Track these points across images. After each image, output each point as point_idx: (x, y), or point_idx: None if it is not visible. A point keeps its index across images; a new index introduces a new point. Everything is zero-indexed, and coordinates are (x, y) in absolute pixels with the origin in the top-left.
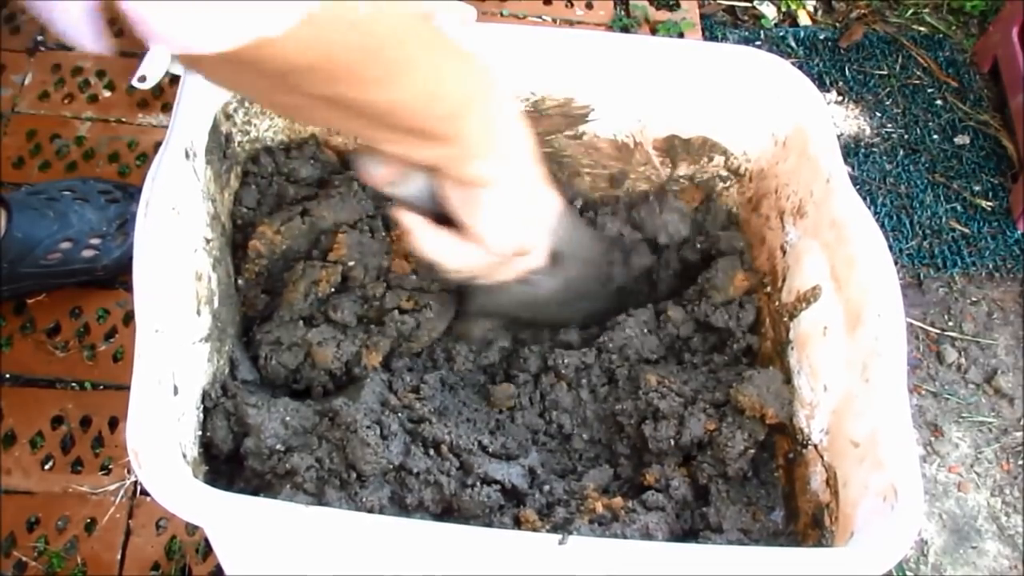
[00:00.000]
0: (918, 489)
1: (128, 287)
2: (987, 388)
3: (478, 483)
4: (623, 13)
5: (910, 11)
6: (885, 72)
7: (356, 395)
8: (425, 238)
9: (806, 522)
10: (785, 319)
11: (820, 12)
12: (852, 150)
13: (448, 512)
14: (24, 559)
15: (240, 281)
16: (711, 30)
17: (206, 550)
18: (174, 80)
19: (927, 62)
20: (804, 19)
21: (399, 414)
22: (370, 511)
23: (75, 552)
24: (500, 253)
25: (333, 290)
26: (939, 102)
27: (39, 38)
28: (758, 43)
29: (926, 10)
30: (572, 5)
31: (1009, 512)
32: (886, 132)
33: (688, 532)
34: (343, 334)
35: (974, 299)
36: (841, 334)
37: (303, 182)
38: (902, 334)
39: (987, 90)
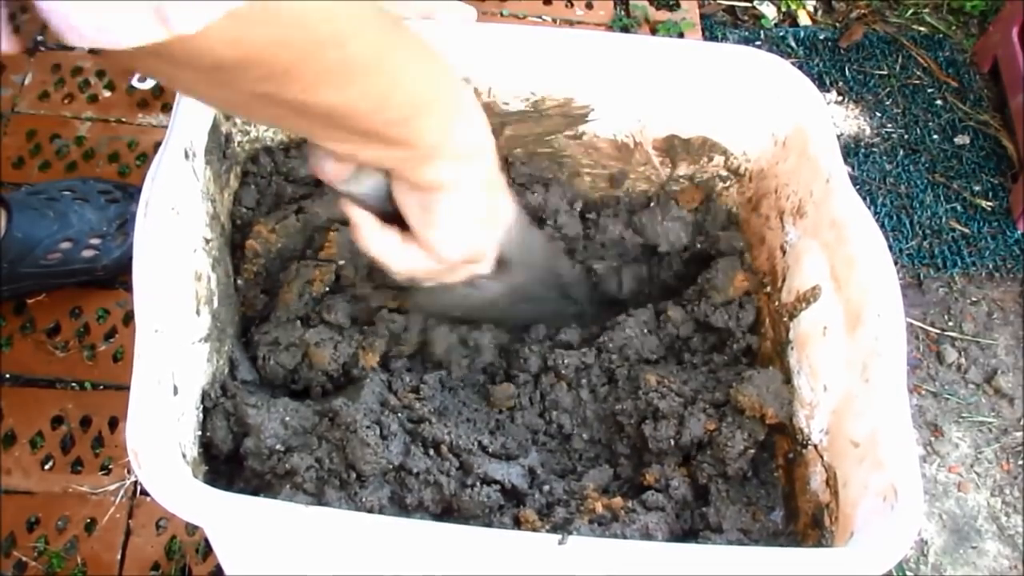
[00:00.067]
0: (918, 489)
1: (128, 287)
2: (987, 388)
3: (478, 483)
4: (623, 13)
5: (910, 11)
6: (885, 72)
7: (356, 395)
8: (372, 238)
9: (806, 522)
10: (785, 319)
11: (820, 12)
12: (852, 150)
13: (448, 512)
14: (24, 559)
15: (239, 281)
16: (711, 30)
17: (206, 550)
18: None
19: (927, 62)
20: (804, 19)
21: (399, 414)
22: (370, 511)
23: (75, 552)
24: (449, 261)
25: (327, 289)
26: (939, 102)
27: (39, 38)
28: (758, 43)
29: (926, 10)
30: (572, 5)
31: (1009, 512)
32: (886, 132)
33: (688, 532)
34: (339, 335)
35: (974, 299)
36: (841, 334)
37: (302, 181)
38: (902, 334)
39: (987, 90)
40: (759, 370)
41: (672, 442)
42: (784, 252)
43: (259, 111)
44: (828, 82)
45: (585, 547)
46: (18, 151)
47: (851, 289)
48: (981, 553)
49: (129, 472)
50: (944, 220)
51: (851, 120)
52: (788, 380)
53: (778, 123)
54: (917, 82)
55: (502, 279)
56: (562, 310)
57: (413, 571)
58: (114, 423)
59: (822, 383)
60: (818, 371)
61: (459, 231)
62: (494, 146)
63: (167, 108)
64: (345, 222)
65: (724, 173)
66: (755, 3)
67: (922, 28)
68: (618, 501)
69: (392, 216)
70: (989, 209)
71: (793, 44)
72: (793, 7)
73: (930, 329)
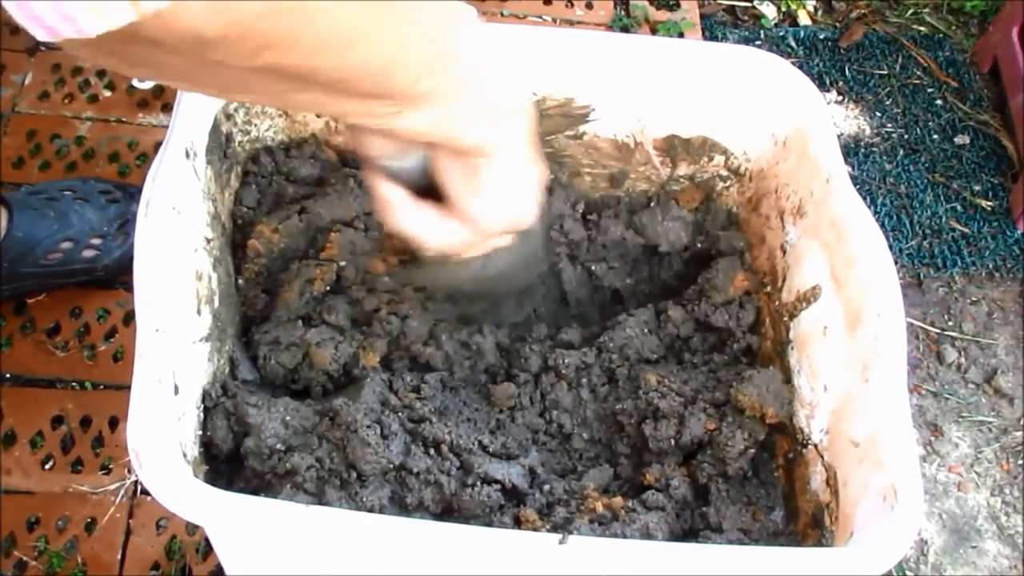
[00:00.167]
0: (918, 489)
1: (128, 287)
2: (987, 388)
3: (478, 483)
4: (623, 13)
5: (910, 11)
6: (885, 72)
7: (356, 395)
8: (406, 213)
9: (806, 522)
10: (785, 319)
11: (820, 12)
12: (852, 150)
13: (448, 512)
14: (24, 559)
15: (240, 281)
16: (711, 30)
17: (206, 550)
18: None
19: (927, 62)
20: (804, 19)
21: (399, 414)
22: (370, 511)
23: (75, 552)
24: (491, 231)
25: (328, 289)
26: (939, 102)
27: None
28: (758, 43)
29: (926, 10)
30: (572, 5)
31: (1009, 512)
32: (886, 132)
33: (688, 532)
34: (340, 335)
35: (974, 299)
36: (841, 334)
37: (302, 181)
38: (902, 334)
39: (987, 90)
40: (759, 370)
41: (672, 442)
42: (784, 252)
43: (264, 90)
44: (828, 82)
45: (585, 547)
46: (18, 151)
47: (851, 289)
48: (981, 553)
49: (129, 472)
50: (944, 220)
51: (851, 120)
52: (788, 380)
53: (778, 123)
54: (917, 82)
55: (514, 248)
56: (560, 309)
57: (413, 571)
58: (114, 423)
59: (822, 383)
60: (818, 371)
61: (504, 198)
62: (531, 105)
63: (167, 108)
64: (347, 223)
65: (724, 173)
66: (755, 3)
67: (922, 28)
68: (618, 501)
69: (425, 194)
70: (989, 209)
71: (793, 44)
72: (793, 7)
73: (930, 329)
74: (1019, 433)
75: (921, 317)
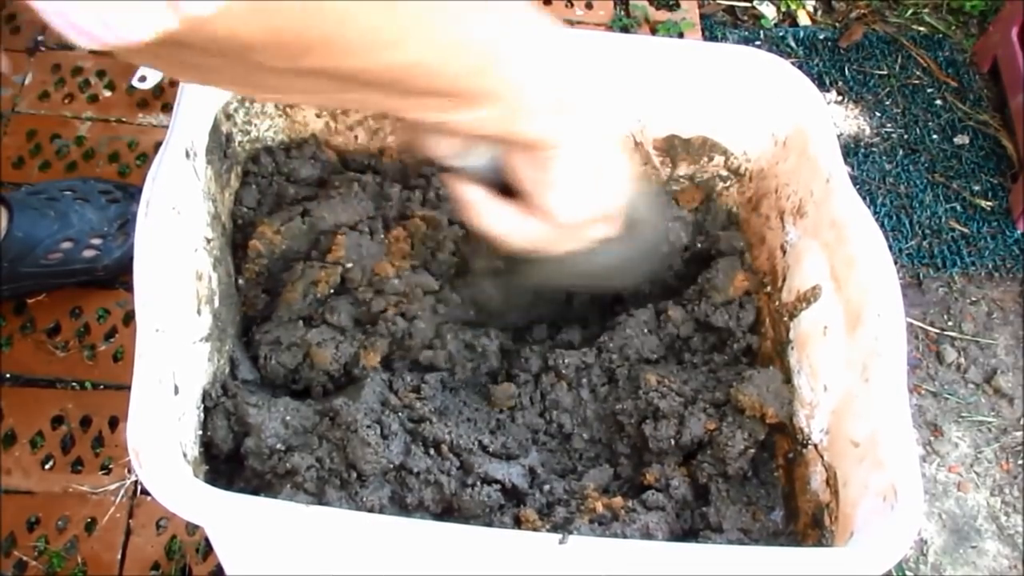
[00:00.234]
0: (918, 489)
1: (128, 287)
2: (987, 388)
3: (478, 483)
4: (623, 13)
5: (910, 11)
6: (885, 72)
7: (356, 395)
8: (488, 212)
9: (806, 522)
10: (785, 319)
11: (820, 12)
12: (852, 150)
13: (448, 512)
14: (24, 559)
15: (240, 281)
16: (711, 30)
17: (206, 550)
18: (174, 80)
19: (927, 62)
20: (804, 19)
21: (399, 414)
22: (370, 511)
23: (75, 552)
24: (570, 225)
25: (332, 291)
26: (939, 102)
27: (39, 38)
28: (758, 43)
29: (926, 10)
30: (572, 5)
31: (1009, 512)
32: (886, 132)
33: (688, 532)
34: (342, 335)
35: (974, 299)
36: (841, 334)
37: (303, 182)
38: (902, 334)
39: (987, 90)
40: (759, 370)
41: (672, 442)
42: (784, 252)
43: (316, 91)
44: (828, 82)
45: (585, 547)
46: (18, 151)
47: (851, 289)
48: (981, 553)
49: (129, 472)
50: (944, 220)
51: (851, 120)
52: (788, 380)
53: (778, 123)
54: (917, 82)
55: (628, 240)
56: (563, 309)
57: (413, 571)
58: (114, 423)
59: (822, 383)
60: (818, 371)
61: (577, 190)
62: (601, 96)
63: (167, 108)
64: (351, 227)
65: (724, 173)
66: (755, 3)
67: (922, 28)
68: (618, 501)
69: (504, 191)
70: (989, 209)
71: (793, 44)
72: (793, 7)
73: (930, 329)
74: (1019, 433)
75: (921, 317)
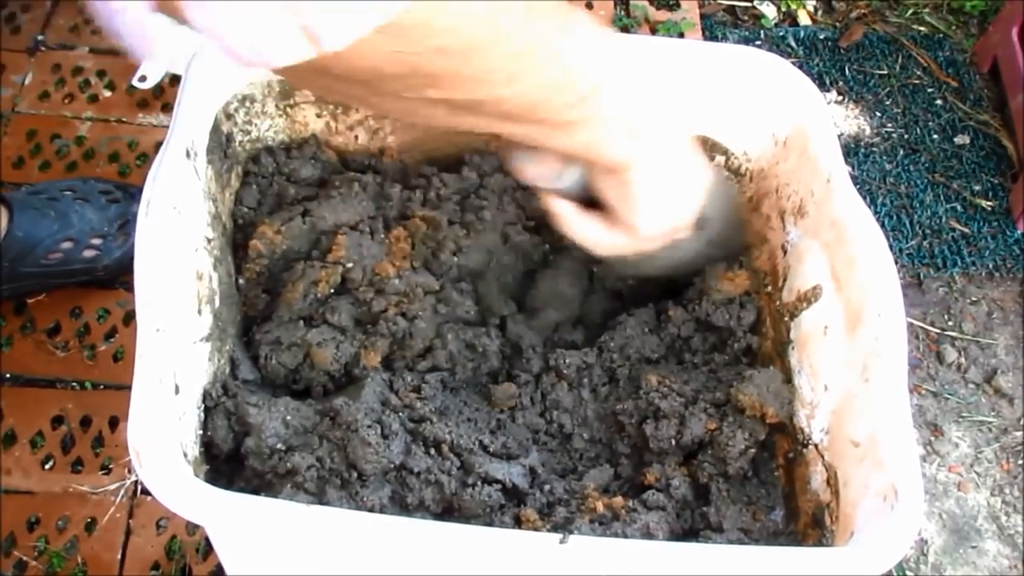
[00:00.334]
0: (918, 489)
1: (129, 287)
2: (987, 388)
3: (479, 483)
4: (623, 13)
5: (910, 11)
6: (885, 72)
7: (357, 395)
8: (576, 225)
9: (806, 522)
10: (786, 319)
11: (820, 12)
12: (852, 150)
13: (449, 512)
14: (24, 559)
15: (241, 281)
16: (711, 30)
17: (206, 550)
18: (174, 80)
19: (927, 62)
20: (804, 19)
21: (400, 413)
22: (371, 510)
23: (75, 552)
24: (651, 238)
25: (332, 291)
26: (939, 102)
27: (39, 38)
28: (758, 43)
29: (926, 10)
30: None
31: (1009, 512)
32: (886, 132)
33: (688, 531)
34: (342, 335)
35: (974, 299)
36: (841, 334)
37: (303, 182)
38: (902, 334)
39: (987, 90)
40: (760, 370)
41: (673, 442)
42: (785, 252)
43: (430, 115)
44: (828, 82)
45: (586, 546)
46: (18, 151)
47: (851, 289)
48: (981, 553)
49: (129, 472)
50: (944, 220)
51: (851, 120)
52: (789, 380)
53: (778, 123)
54: (917, 82)
55: (699, 236)
56: (742, 241)
57: (413, 571)
58: (114, 423)
59: (822, 383)
60: (818, 371)
61: (658, 208)
62: (673, 112)
63: (167, 108)
64: (352, 227)
65: (725, 173)
66: (755, 3)
67: (922, 28)
68: (619, 500)
69: (592, 204)
70: (989, 209)
71: (793, 44)
72: (793, 7)
73: (930, 329)
74: (1019, 433)
75: (921, 317)
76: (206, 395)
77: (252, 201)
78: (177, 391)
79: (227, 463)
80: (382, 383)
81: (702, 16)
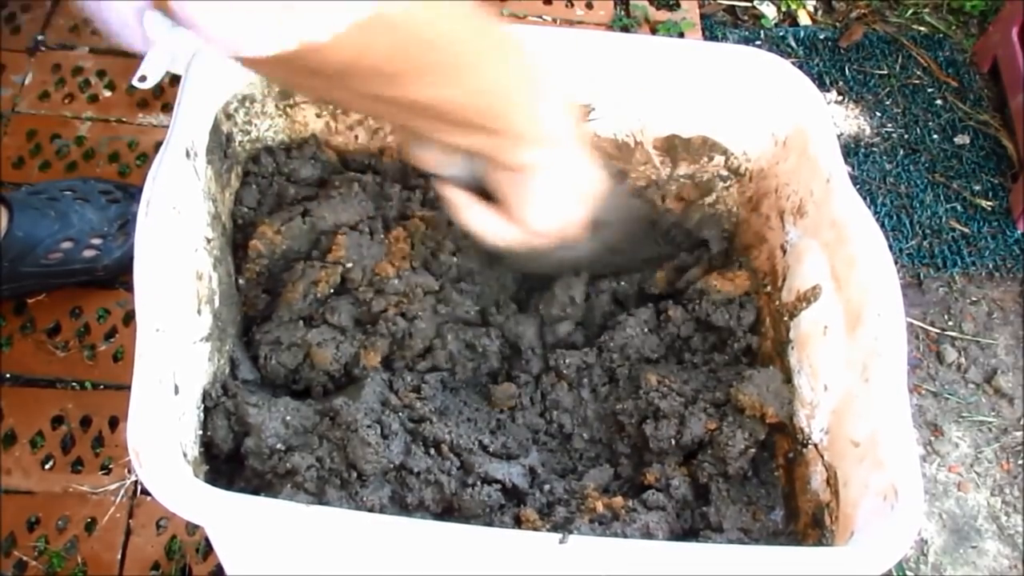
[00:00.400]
0: (918, 489)
1: (128, 287)
2: (987, 388)
3: (478, 483)
4: (623, 13)
5: (910, 11)
6: (885, 72)
7: (357, 395)
8: (471, 214)
9: (806, 522)
10: (785, 319)
11: (820, 12)
12: (852, 150)
13: (448, 512)
14: (24, 559)
15: (241, 281)
16: (711, 30)
17: (206, 550)
18: (174, 80)
19: (927, 62)
20: (804, 19)
21: (400, 414)
22: (370, 510)
23: (75, 552)
24: (543, 235)
25: (332, 291)
26: (939, 102)
27: (39, 38)
28: (758, 43)
29: (926, 10)
30: (572, 5)
31: (1009, 512)
32: (886, 132)
33: (688, 531)
34: (342, 335)
35: (974, 299)
36: (841, 334)
37: (303, 182)
38: (902, 334)
39: (987, 90)
40: (759, 369)
41: (673, 441)
42: (784, 252)
43: (371, 109)
44: (828, 82)
45: (586, 546)
46: (18, 151)
47: (851, 289)
48: (981, 553)
49: (129, 472)
50: (944, 220)
51: (851, 120)
52: (788, 380)
53: (778, 123)
54: (917, 82)
55: (594, 238)
56: (648, 254)
57: (413, 571)
58: (114, 423)
59: (822, 383)
60: (818, 371)
61: (549, 207)
62: (576, 124)
63: (167, 108)
64: (351, 227)
65: (724, 173)
66: (755, 3)
67: (922, 28)
68: (619, 500)
69: (485, 193)
70: (989, 209)
71: (793, 44)
72: (793, 7)
73: (930, 329)
74: (1019, 433)
75: (921, 317)
76: (206, 395)
77: (252, 201)
78: (177, 391)
79: (227, 463)
80: (382, 383)
81: (702, 16)
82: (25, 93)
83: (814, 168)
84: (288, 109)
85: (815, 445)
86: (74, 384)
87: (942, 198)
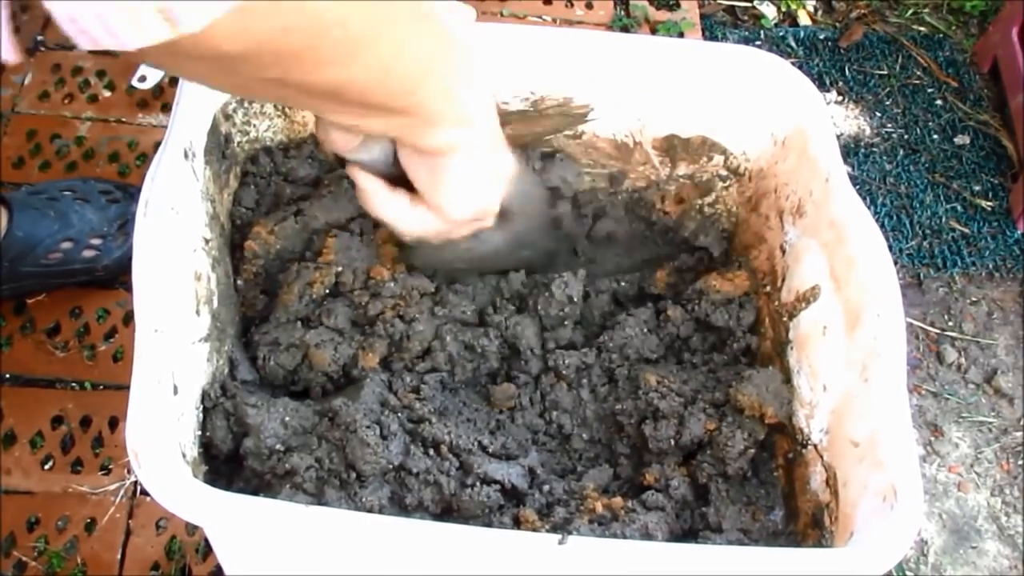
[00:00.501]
0: (918, 489)
1: (128, 287)
2: (987, 388)
3: (478, 483)
4: (623, 13)
5: (910, 11)
6: (885, 72)
7: (356, 395)
8: (382, 202)
9: (806, 522)
10: (785, 319)
11: (820, 12)
12: (852, 150)
13: (448, 512)
14: (24, 559)
15: (239, 281)
16: (711, 30)
17: (206, 550)
18: (174, 80)
19: (927, 62)
20: (804, 19)
21: (399, 414)
22: (370, 511)
23: (75, 552)
24: (457, 220)
25: (327, 291)
26: (939, 102)
27: (39, 38)
28: (758, 43)
29: (926, 10)
30: (572, 5)
31: (1009, 512)
32: (886, 132)
33: (688, 532)
34: (340, 336)
35: (974, 299)
36: (841, 334)
37: (301, 182)
38: (902, 334)
39: (987, 90)
40: (759, 370)
41: (672, 442)
42: (784, 252)
43: (266, 93)
44: (828, 82)
45: (585, 547)
46: (18, 151)
47: (851, 289)
48: (981, 553)
49: (129, 472)
50: (944, 220)
51: (851, 120)
52: (788, 380)
53: (778, 123)
54: (917, 82)
55: (504, 229)
56: (558, 250)
57: (413, 571)
58: (114, 423)
59: (822, 383)
60: (818, 371)
61: (465, 192)
62: (494, 105)
63: (167, 108)
64: (343, 227)
65: (724, 173)
66: (755, 3)
67: (922, 28)
68: (618, 501)
69: (399, 180)
70: (989, 209)
71: (793, 44)
72: (793, 7)
73: (930, 329)
74: (1019, 433)
75: (921, 317)
76: (205, 396)
77: (250, 201)
78: (176, 392)
79: (226, 464)
80: (381, 384)
81: (702, 16)
82: (25, 93)
83: (813, 168)
84: (287, 109)
85: (815, 445)
86: (74, 384)
87: (942, 198)
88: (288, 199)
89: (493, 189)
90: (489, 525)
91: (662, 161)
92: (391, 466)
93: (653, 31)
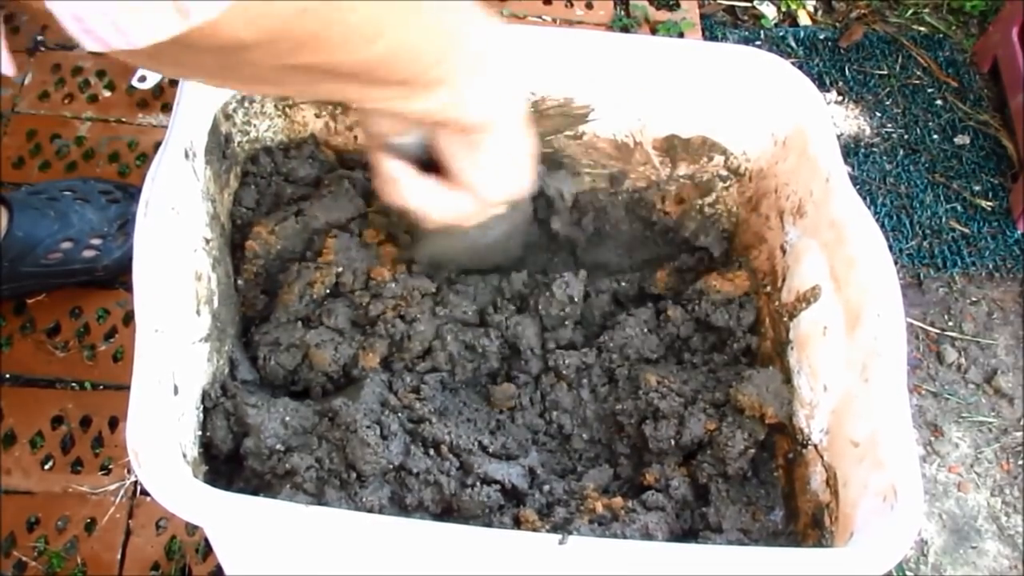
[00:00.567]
0: (918, 489)
1: (128, 287)
2: (987, 388)
3: (478, 483)
4: (623, 13)
5: (910, 11)
6: (885, 72)
7: (356, 395)
8: (412, 187)
9: (806, 522)
10: (785, 319)
11: (820, 12)
12: (852, 150)
13: (448, 512)
14: (24, 559)
15: (239, 281)
16: (711, 30)
17: (206, 550)
18: (174, 80)
19: (927, 62)
20: (804, 19)
21: (399, 414)
22: (370, 511)
23: (75, 552)
24: (494, 201)
25: (328, 291)
26: (939, 102)
27: (39, 38)
28: (758, 43)
29: (926, 10)
30: (572, 5)
31: (1009, 512)
32: (886, 132)
33: (688, 532)
34: (340, 336)
35: (974, 299)
36: (841, 334)
37: (301, 182)
38: (902, 334)
39: (987, 90)
40: (759, 370)
41: (672, 442)
42: (784, 252)
43: (289, 83)
44: (828, 82)
45: (585, 547)
46: (18, 151)
47: (851, 289)
48: (981, 553)
49: (129, 472)
50: (944, 220)
51: (851, 120)
52: (788, 380)
53: (778, 123)
54: (917, 82)
55: (507, 218)
56: (537, 243)
57: (413, 571)
58: (114, 423)
59: (822, 383)
60: (818, 371)
61: (506, 170)
62: (517, 77)
63: (167, 108)
64: (343, 227)
65: (724, 173)
66: (755, 3)
67: (922, 28)
68: (618, 501)
69: (427, 167)
70: (989, 209)
71: (793, 44)
72: (793, 7)
73: (930, 329)
74: (1019, 433)
75: (921, 317)
76: (205, 396)
77: (251, 201)
78: (176, 392)
79: (226, 464)
80: (381, 384)
81: (702, 16)
82: (25, 93)
83: (814, 168)
84: (287, 109)
85: (815, 445)
86: (74, 384)
87: (942, 198)
88: (288, 199)
89: (528, 168)
90: (489, 525)
91: (662, 161)
92: (391, 466)
93: (653, 31)
